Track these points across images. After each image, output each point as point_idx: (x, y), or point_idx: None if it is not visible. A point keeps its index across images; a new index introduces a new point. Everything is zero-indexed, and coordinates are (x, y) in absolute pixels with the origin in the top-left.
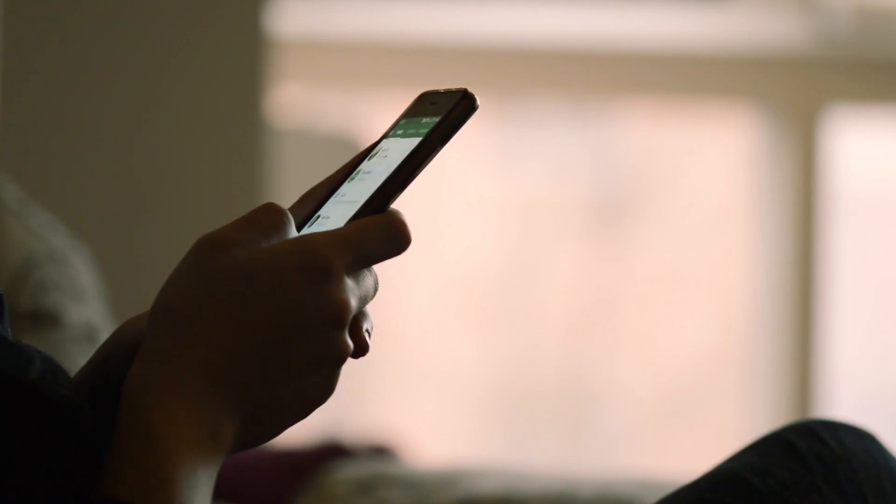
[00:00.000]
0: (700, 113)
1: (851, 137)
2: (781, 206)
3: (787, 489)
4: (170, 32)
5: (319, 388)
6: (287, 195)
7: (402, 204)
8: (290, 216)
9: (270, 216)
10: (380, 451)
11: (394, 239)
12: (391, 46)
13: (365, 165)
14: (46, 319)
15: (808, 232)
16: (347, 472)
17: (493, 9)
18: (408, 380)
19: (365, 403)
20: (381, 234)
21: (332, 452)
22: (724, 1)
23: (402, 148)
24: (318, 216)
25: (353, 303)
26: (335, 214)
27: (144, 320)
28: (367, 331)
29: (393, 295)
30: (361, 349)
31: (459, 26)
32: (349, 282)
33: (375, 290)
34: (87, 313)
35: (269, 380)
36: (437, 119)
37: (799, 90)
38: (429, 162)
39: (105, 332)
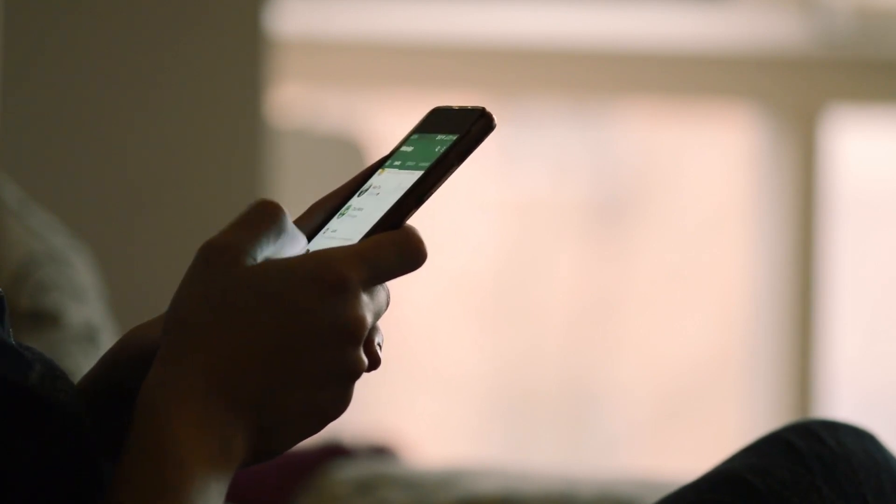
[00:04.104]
0: (700, 113)
1: (851, 137)
2: (781, 206)
3: (786, 489)
4: (170, 32)
5: (333, 402)
6: (287, 195)
7: None
8: (285, 210)
9: (267, 214)
10: (380, 451)
11: (410, 256)
12: (391, 46)
13: (376, 180)
14: (46, 319)
15: (808, 232)
16: (347, 472)
17: (493, 9)
18: (408, 380)
19: (365, 403)
20: (397, 250)
21: (332, 452)
22: (724, 1)
23: (417, 164)
24: (328, 228)
25: (369, 319)
26: (346, 228)
27: (150, 328)
28: (378, 345)
29: (393, 294)
30: (374, 364)
31: (459, 26)
32: (365, 298)
33: (387, 304)
34: (87, 313)
35: (281, 392)
36: (454, 137)
37: (799, 90)
38: (445, 179)
39: (105, 332)
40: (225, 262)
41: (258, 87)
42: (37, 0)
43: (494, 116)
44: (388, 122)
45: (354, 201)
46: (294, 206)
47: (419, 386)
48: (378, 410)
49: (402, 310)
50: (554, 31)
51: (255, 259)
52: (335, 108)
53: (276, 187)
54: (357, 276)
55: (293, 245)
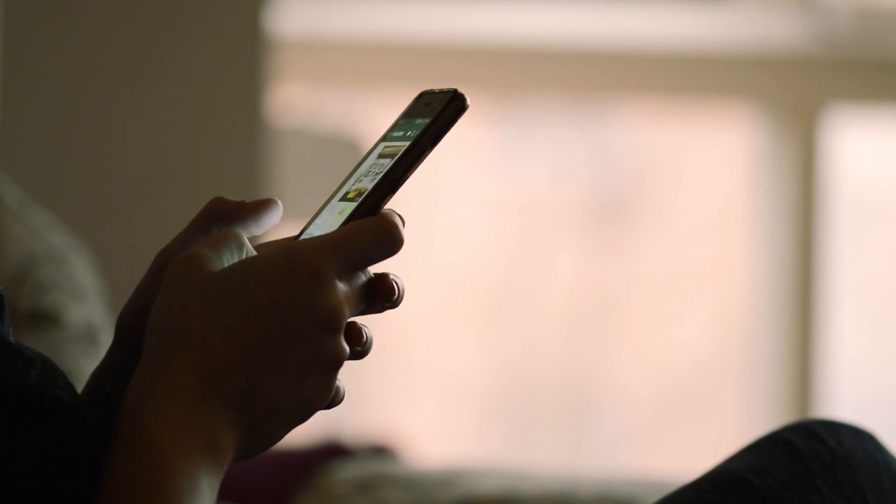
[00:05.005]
0: (700, 113)
1: (851, 137)
2: (781, 205)
3: (786, 489)
4: (170, 32)
5: (317, 391)
6: (287, 195)
7: (403, 204)
8: (242, 234)
9: (225, 234)
10: (380, 451)
11: (384, 241)
12: (391, 46)
13: (363, 166)
14: (46, 319)
15: (808, 232)
16: (347, 472)
17: (493, 9)
18: (408, 380)
19: (365, 403)
20: (370, 236)
21: (332, 452)
22: (724, 1)
23: (394, 150)
24: (318, 217)
25: (347, 307)
26: (331, 217)
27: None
28: (365, 333)
29: None
30: (361, 352)
31: (459, 26)
32: (341, 286)
33: (371, 293)
34: (87, 313)
35: (265, 386)
36: (427, 121)
37: (799, 90)
38: (420, 163)
39: (105, 332)
40: (193, 268)
41: (258, 87)
42: (37, 0)
43: (467, 97)
44: (388, 122)
45: (344, 188)
46: (294, 206)
47: (419, 386)
48: (378, 410)
49: (402, 309)
50: (554, 31)
51: (222, 265)
52: (335, 108)
53: (276, 187)
54: (330, 265)
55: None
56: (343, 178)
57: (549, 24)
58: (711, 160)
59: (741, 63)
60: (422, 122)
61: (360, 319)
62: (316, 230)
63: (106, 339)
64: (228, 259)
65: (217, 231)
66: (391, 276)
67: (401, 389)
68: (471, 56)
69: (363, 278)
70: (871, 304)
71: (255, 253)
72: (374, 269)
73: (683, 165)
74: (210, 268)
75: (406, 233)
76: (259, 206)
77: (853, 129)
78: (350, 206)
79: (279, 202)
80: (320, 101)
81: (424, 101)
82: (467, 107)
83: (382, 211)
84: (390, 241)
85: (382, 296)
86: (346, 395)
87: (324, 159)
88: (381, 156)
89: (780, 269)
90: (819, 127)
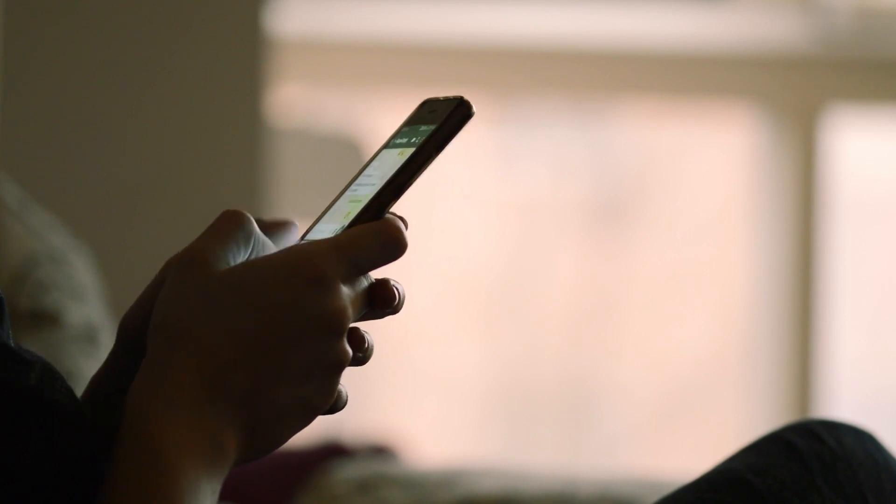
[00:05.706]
0: (700, 113)
1: (851, 137)
2: (781, 205)
3: (786, 489)
4: (170, 32)
5: (319, 394)
6: (287, 195)
7: (403, 204)
8: (250, 217)
9: (232, 220)
10: (380, 451)
11: (388, 246)
12: (391, 46)
13: (367, 170)
14: (46, 319)
15: (808, 232)
16: (347, 472)
17: (493, 9)
18: (408, 380)
19: (365, 403)
20: (374, 241)
21: (332, 452)
22: (724, 1)
23: (398, 156)
24: (322, 221)
25: (350, 310)
26: (334, 221)
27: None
28: (367, 341)
29: None
30: (364, 357)
31: (459, 26)
32: (345, 289)
33: (372, 298)
34: (87, 313)
35: (267, 387)
36: (432, 127)
37: (799, 90)
38: (424, 170)
39: (105, 332)
40: (198, 268)
41: (258, 87)
42: (37, 0)
43: (472, 105)
44: (388, 121)
45: (348, 194)
46: (294, 206)
47: (419, 386)
48: (378, 410)
49: (403, 309)
50: (554, 31)
51: (227, 264)
52: (335, 108)
53: (276, 187)
54: (334, 268)
55: (265, 250)
56: (346, 183)
57: (549, 24)
58: (711, 160)
59: (741, 63)
60: (427, 128)
61: (360, 325)
62: (319, 234)
63: (106, 339)
64: (234, 253)
65: (221, 218)
66: (392, 282)
67: (401, 389)
68: (471, 56)
69: (365, 283)
70: (871, 304)
71: (264, 239)
72: (375, 274)
73: (683, 165)
74: (215, 266)
75: (408, 236)
76: (275, 227)
77: (853, 129)
78: (354, 211)
79: (296, 223)
80: (320, 101)
81: (428, 109)
82: (473, 114)
83: (386, 216)
84: (395, 246)
85: (384, 301)
86: (348, 399)
87: (324, 159)
88: (383, 162)
89: (780, 269)
90: (819, 127)
